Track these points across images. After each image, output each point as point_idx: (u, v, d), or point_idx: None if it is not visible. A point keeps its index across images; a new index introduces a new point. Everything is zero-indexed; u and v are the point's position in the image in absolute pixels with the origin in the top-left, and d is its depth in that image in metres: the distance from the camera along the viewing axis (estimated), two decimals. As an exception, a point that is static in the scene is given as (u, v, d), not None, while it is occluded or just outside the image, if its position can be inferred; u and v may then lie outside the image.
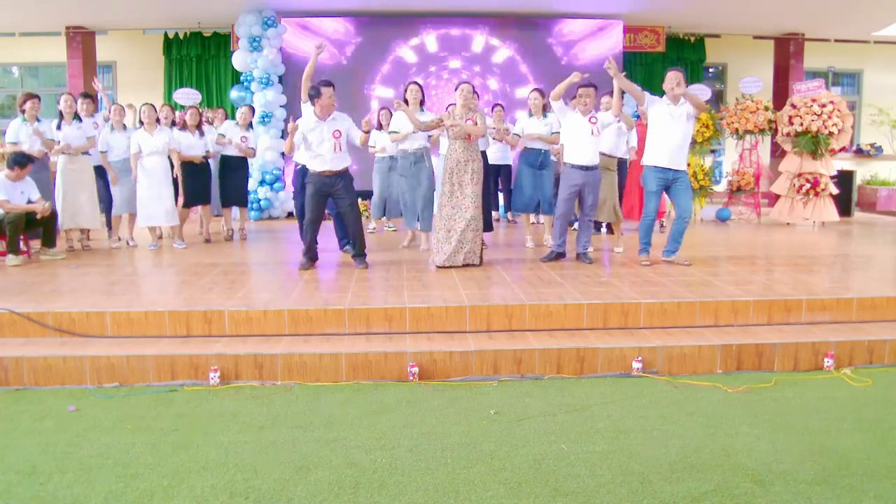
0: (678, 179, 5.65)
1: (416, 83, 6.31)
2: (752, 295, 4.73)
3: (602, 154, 6.58)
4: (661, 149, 5.61)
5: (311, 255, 5.73)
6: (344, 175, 5.59)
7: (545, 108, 6.69)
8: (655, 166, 5.66)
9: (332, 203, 5.77)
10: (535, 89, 6.88)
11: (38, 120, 6.62)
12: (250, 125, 7.67)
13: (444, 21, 10.26)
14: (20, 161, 6.10)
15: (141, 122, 6.84)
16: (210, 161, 7.41)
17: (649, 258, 5.86)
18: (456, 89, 5.72)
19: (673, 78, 5.51)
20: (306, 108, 5.60)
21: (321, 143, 5.44)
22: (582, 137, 5.76)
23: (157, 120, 6.82)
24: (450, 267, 5.59)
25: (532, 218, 7.54)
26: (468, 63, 10.36)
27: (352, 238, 5.81)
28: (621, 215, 6.90)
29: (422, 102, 6.28)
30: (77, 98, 7.03)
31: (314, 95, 5.43)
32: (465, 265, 5.63)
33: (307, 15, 10.11)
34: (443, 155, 6.42)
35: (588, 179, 5.79)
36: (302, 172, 6.02)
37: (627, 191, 7.94)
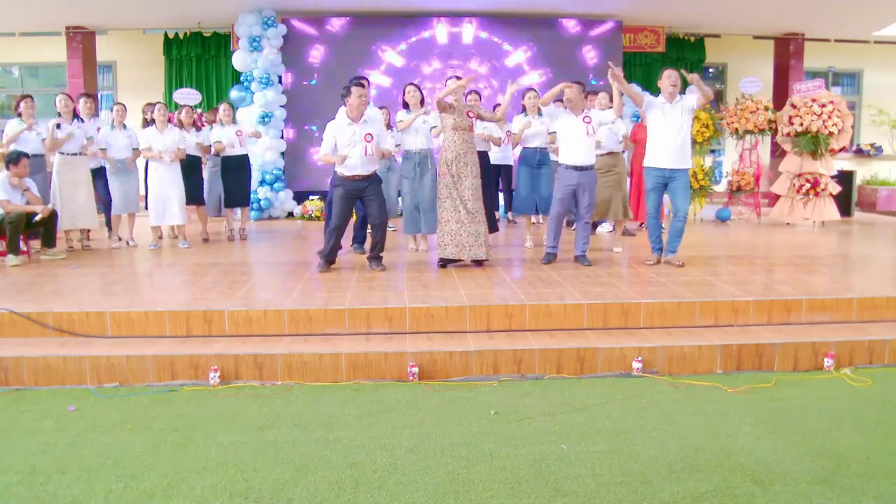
0: (676, 178, 5.64)
1: (412, 84, 6.32)
2: (752, 295, 4.73)
3: (602, 154, 6.60)
4: (660, 149, 5.62)
5: (331, 259, 5.64)
6: (373, 178, 5.50)
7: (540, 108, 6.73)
8: (654, 167, 5.66)
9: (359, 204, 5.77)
10: (530, 89, 6.90)
11: (34, 118, 6.63)
12: (234, 120, 7.64)
13: (445, 21, 10.25)
14: (13, 159, 6.12)
15: (147, 122, 6.86)
16: (204, 162, 7.43)
17: (656, 258, 5.86)
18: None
19: (668, 77, 5.55)
20: (340, 111, 5.54)
21: (353, 147, 5.31)
22: (577, 137, 5.74)
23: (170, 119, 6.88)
24: (458, 261, 5.58)
25: (532, 218, 7.55)
26: (467, 63, 10.35)
27: (376, 240, 5.70)
28: (630, 213, 6.90)
29: (422, 101, 6.30)
30: (77, 98, 7.04)
31: (344, 95, 5.34)
32: (473, 261, 5.61)
33: (307, 15, 10.11)
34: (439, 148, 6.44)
35: (583, 180, 5.76)
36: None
37: (641, 190, 7.94)
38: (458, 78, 5.91)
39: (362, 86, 5.43)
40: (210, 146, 7.34)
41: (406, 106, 6.32)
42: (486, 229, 5.64)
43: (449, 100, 5.57)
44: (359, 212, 6.35)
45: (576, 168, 5.75)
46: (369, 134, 5.38)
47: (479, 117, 5.91)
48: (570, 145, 5.79)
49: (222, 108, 7.51)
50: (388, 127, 7.70)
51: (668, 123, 5.56)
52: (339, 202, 5.46)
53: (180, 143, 6.85)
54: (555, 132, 6.56)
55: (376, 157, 5.49)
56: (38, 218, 6.15)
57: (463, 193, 5.52)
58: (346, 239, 6.67)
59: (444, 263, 5.68)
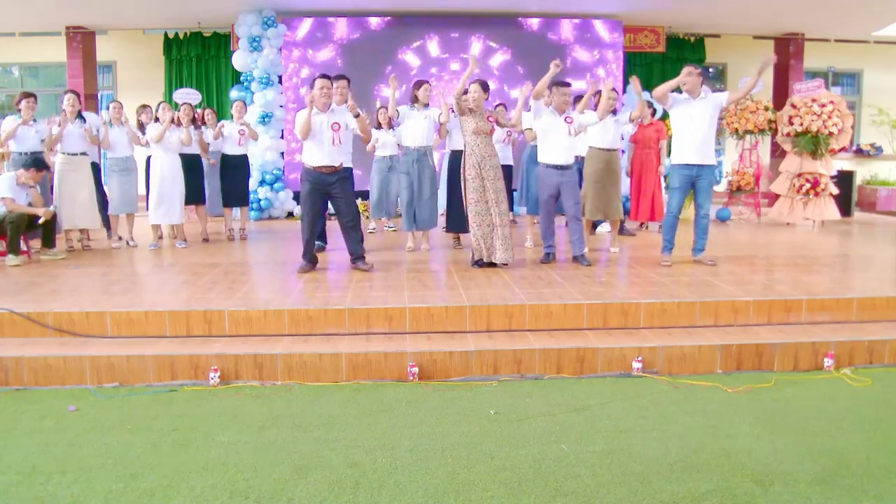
0: (702, 176, 5.60)
1: (427, 82, 6.35)
2: (752, 295, 4.73)
3: (604, 150, 6.58)
4: (687, 145, 5.59)
5: (310, 258, 5.62)
6: (341, 172, 5.51)
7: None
8: (682, 164, 5.62)
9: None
10: None
11: (35, 120, 6.62)
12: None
13: (445, 21, 10.25)
14: (38, 166, 6.20)
15: (141, 123, 6.85)
16: (203, 161, 7.44)
17: (670, 258, 5.82)
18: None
19: (687, 73, 5.53)
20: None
21: (320, 135, 5.36)
22: (557, 137, 5.72)
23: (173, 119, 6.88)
24: (503, 265, 5.61)
25: (535, 218, 7.56)
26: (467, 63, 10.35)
27: (345, 240, 5.68)
28: (621, 214, 6.90)
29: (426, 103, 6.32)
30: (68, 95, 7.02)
31: (311, 87, 5.42)
32: (504, 264, 5.63)
33: (307, 15, 10.11)
34: (450, 151, 6.42)
35: (563, 179, 5.74)
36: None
37: (641, 190, 7.94)
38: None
39: (326, 78, 5.42)
40: (209, 144, 7.37)
41: (415, 100, 6.32)
42: (509, 232, 5.65)
43: (470, 104, 5.55)
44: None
45: (556, 167, 5.75)
46: (336, 123, 5.39)
47: (498, 123, 5.99)
48: (550, 144, 5.78)
49: (235, 106, 7.54)
50: (378, 126, 7.70)
51: (693, 120, 5.54)
52: (307, 198, 5.49)
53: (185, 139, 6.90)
54: (531, 129, 6.59)
55: (348, 147, 5.48)
56: (40, 221, 6.14)
57: (492, 196, 5.51)
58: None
59: (480, 264, 5.66)
